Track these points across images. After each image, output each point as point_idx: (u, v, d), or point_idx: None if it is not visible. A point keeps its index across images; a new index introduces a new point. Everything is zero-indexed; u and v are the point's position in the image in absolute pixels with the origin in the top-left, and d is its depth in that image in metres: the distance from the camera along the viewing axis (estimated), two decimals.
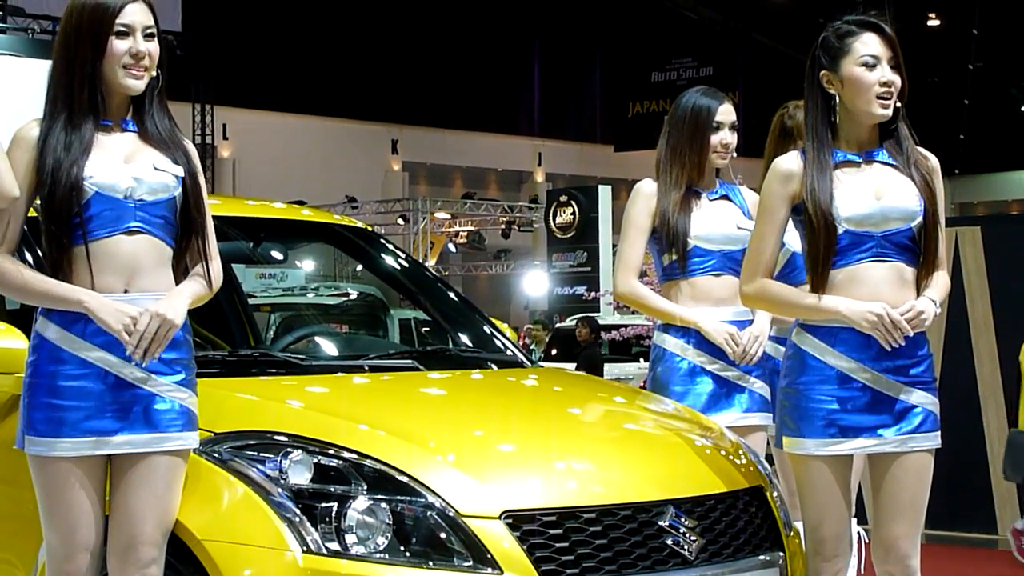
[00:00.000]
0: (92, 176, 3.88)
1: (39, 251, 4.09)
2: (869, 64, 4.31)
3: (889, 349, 4.26)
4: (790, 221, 4.43)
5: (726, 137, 5.42)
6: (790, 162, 4.40)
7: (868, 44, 4.33)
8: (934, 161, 4.45)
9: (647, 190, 5.44)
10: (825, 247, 4.29)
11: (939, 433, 4.40)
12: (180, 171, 4.00)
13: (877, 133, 4.41)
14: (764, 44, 36.11)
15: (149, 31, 3.96)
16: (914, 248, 4.36)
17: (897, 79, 4.33)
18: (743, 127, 5.58)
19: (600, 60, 40.59)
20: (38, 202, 3.93)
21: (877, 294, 4.28)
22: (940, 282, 4.40)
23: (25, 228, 3.98)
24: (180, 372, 3.96)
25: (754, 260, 4.46)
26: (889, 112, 4.34)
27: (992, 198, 45.13)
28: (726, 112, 5.43)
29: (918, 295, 4.33)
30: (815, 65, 4.40)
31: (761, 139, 5.70)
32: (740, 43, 36.48)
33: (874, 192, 4.33)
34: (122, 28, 3.92)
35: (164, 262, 3.99)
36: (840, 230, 4.29)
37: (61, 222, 3.87)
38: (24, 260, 4.01)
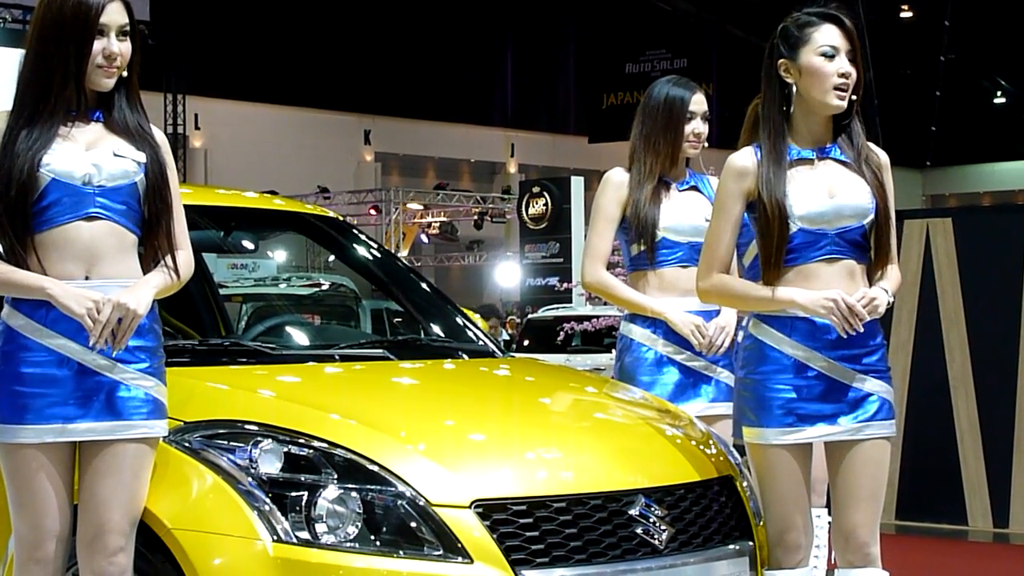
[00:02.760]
0: (49, 164, 3.88)
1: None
2: (828, 54, 4.35)
3: (845, 336, 4.30)
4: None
5: (699, 127, 5.45)
6: (744, 159, 4.43)
7: (827, 35, 4.36)
8: (884, 157, 4.50)
9: (616, 179, 5.45)
10: (778, 241, 4.33)
11: (894, 422, 4.45)
12: (142, 157, 3.99)
13: (831, 127, 4.44)
14: (738, 36, 36.14)
15: (124, 30, 3.96)
16: (865, 245, 4.41)
17: (854, 72, 4.37)
18: (717, 119, 5.60)
19: (574, 51, 40.60)
20: None
21: (828, 288, 4.32)
22: (893, 275, 4.45)
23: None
24: (145, 360, 3.95)
25: (709, 256, 4.49)
26: (844, 104, 4.37)
27: (964, 190, 45.29)
28: (699, 102, 5.46)
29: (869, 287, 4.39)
30: (774, 54, 4.43)
31: (735, 130, 5.71)
32: (714, 35, 36.52)
33: (827, 190, 4.36)
34: (99, 27, 3.92)
35: (126, 249, 3.98)
36: (794, 228, 4.33)
37: (19, 211, 3.87)
38: None
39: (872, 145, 4.48)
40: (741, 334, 4.62)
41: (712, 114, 5.60)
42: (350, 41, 37.27)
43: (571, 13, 39.59)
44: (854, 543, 4.42)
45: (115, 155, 3.97)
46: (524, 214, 26.79)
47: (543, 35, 40.55)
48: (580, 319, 15.48)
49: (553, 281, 23.89)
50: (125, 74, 3.99)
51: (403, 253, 32.87)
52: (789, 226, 4.32)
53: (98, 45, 3.92)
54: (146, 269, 4.01)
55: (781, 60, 4.40)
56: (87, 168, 3.92)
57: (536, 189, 26.88)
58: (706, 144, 5.50)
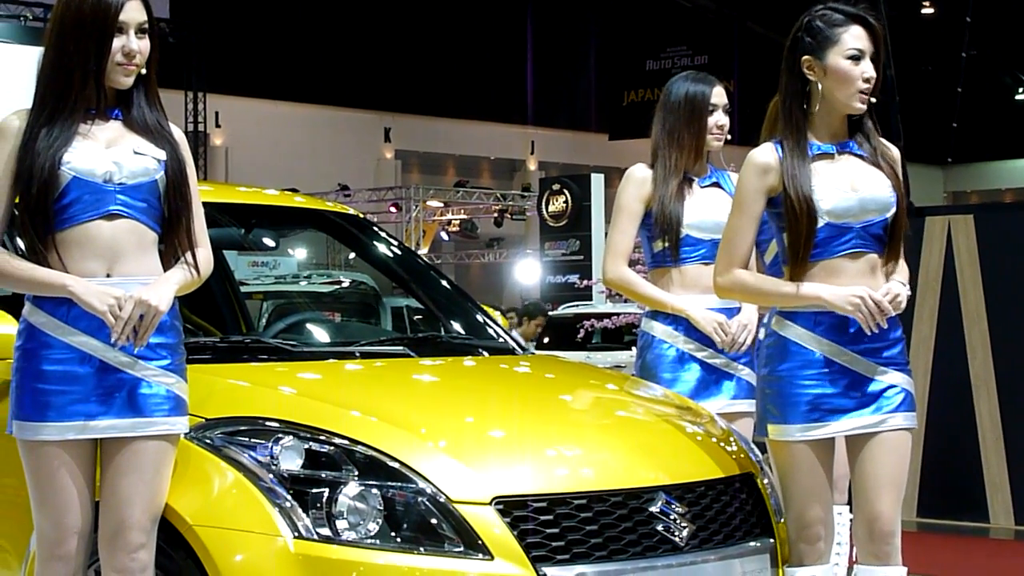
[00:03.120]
0: (70, 162, 3.89)
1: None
2: (856, 57, 4.35)
3: (869, 333, 4.31)
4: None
5: (721, 118, 5.46)
6: (766, 155, 4.43)
7: (857, 37, 4.37)
8: (896, 152, 4.53)
9: (639, 175, 5.45)
10: (806, 236, 4.34)
11: (915, 414, 4.46)
12: (162, 155, 4.00)
13: (846, 122, 4.45)
14: (758, 32, 36.07)
15: (143, 28, 3.97)
16: (885, 238, 4.43)
17: (876, 75, 4.38)
18: (739, 115, 5.60)
19: (594, 48, 40.57)
20: None
21: (853, 284, 4.33)
22: (903, 269, 4.49)
23: (16, 214, 3.98)
24: (167, 357, 3.96)
25: (728, 252, 4.49)
26: (865, 107, 4.40)
27: (986, 187, 45.16)
28: (719, 94, 5.47)
29: (886, 281, 4.41)
30: (797, 49, 4.43)
31: (756, 126, 5.71)
32: (735, 31, 36.48)
33: (850, 184, 4.38)
34: (118, 25, 3.93)
35: (147, 247, 4.00)
36: (821, 222, 4.33)
37: (40, 209, 3.88)
38: (15, 248, 4.01)
39: (884, 140, 4.50)
40: (763, 331, 4.62)
41: (733, 110, 5.60)
42: (370, 39, 37.29)
43: (591, 10, 39.57)
44: (878, 532, 4.41)
45: (135, 153, 3.98)
46: (544, 211, 26.77)
47: (563, 32, 40.53)
48: (600, 316, 15.45)
49: (573, 278, 23.82)
50: (144, 72, 4.00)
51: (423, 250, 32.87)
52: (817, 220, 4.32)
53: (117, 43, 3.93)
54: (166, 266, 4.02)
55: (805, 57, 4.39)
56: (108, 166, 3.93)
57: (556, 186, 26.85)
58: (728, 137, 5.50)
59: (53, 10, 3.98)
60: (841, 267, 4.36)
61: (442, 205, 36.46)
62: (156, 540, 3.91)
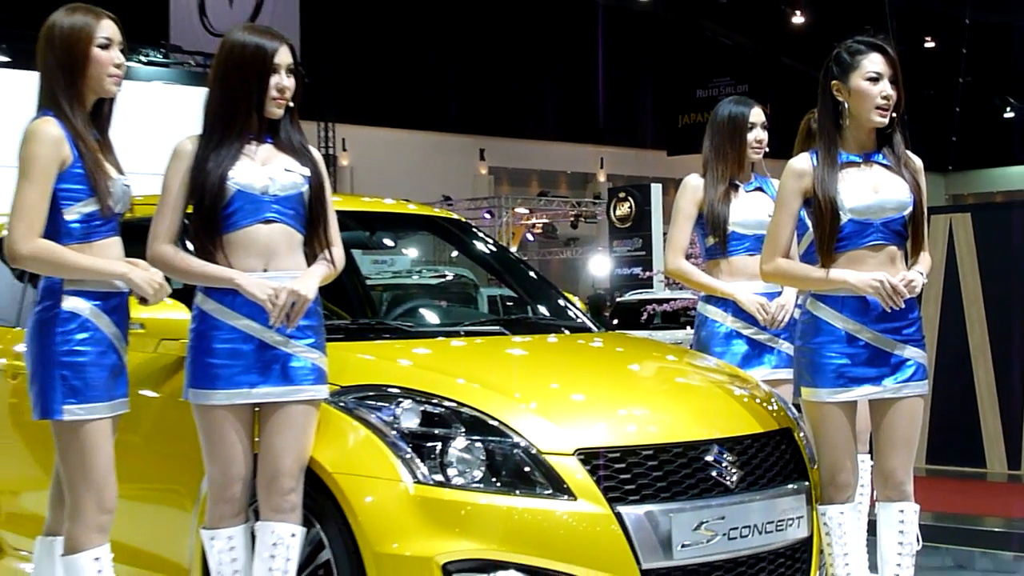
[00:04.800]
0: (234, 177, 3.92)
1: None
2: (874, 79, 4.31)
3: (889, 311, 4.28)
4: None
5: (759, 134, 5.44)
6: (802, 162, 4.41)
7: (874, 62, 4.33)
8: (919, 162, 4.46)
9: (693, 183, 5.44)
10: (830, 231, 4.31)
11: (927, 382, 4.42)
12: (306, 171, 4.04)
13: (874, 137, 4.41)
14: (788, 65, 35.76)
15: (290, 69, 4.00)
16: (904, 233, 4.37)
17: (894, 93, 4.34)
18: (773, 135, 5.57)
19: (653, 79, 40.29)
20: None
21: (875, 271, 4.30)
22: (925, 260, 4.43)
23: (186, 222, 4.03)
24: (312, 336, 4.00)
25: (772, 243, 4.47)
26: (885, 120, 4.35)
27: (980, 190, 44.54)
28: (757, 114, 5.45)
29: (907, 270, 4.36)
30: (828, 75, 4.41)
31: (787, 141, 5.68)
32: (768, 64, 36.15)
33: (872, 187, 4.34)
34: (273, 66, 3.96)
35: (296, 246, 4.03)
36: (844, 219, 4.30)
37: (210, 216, 3.91)
38: (185, 249, 4.06)
39: (910, 152, 4.45)
40: (798, 311, 4.60)
41: (769, 128, 5.57)
42: (468, 77, 37.30)
43: (651, 47, 39.37)
44: (892, 481, 4.41)
45: (286, 170, 4.01)
46: (612, 215, 26.66)
47: (628, 66, 40.29)
48: (660, 301, 15.39)
49: (637, 270, 23.75)
50: (291, 104, 4.03)
51: (513, 249, 32.83)
52: (840, 217, 4.29)
53: (273, 81, 3.97)
54: (309, 262, 4.05)
55: (834, 81, 4.37)
56: (264, 181, 3.97)
57: (622, 195, 26.73)
58: (767, 150, 5.48)
59: (217, 55, 4.01)
60: (864, 257, 4.33)
61: (527, 211, 36.38)
62: (303, 485, 3.95)
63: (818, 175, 4.34)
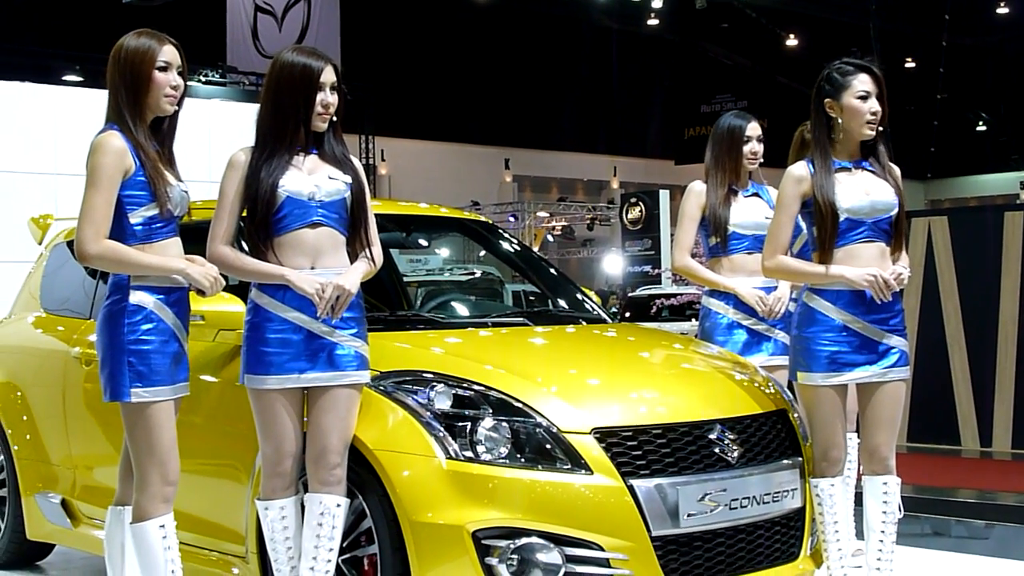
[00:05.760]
0: (284, 185, 3.92)
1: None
2: (863, 97, 4.33)
3: (879, 303, 4.28)
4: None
5: (754, 147, 5.42)
6: (800, 170, 4.43)
7: (863, 82, 4.35)
8: (898, 171, 4.48)
9: (697, 189, 5.44)
10: (831, 229, 4.32)
11: (909, 368, 4.44)
12: (348, 179, 4.03)
13: (860, 147, 4.42)
14: (784, 83, 35.66)
15: (334, 86, 3.99)
16: (890, 231, 4.39)
17: (880, 109, 4.33)
18: (770, 146, 5.56)
19: (662, 96, 40.20)
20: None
21: (868, 266, 4.32)
22: (905, 257, 4.45)
23: (241, 224, 4.03)
24: (355, 327, 4.00)
25: (773, 242, 4.47)
26: (873, 133, 4.38)
27: (956, 196, 44.40)
28: (754, 128, 5.42)
29: (893, 265, 4.38)
30: (821, 94, 4.42)
31: (782, 153, 5.67)
32: (766, 82, 36.06)
33: (864, 190, 4.36)
34: (319, 84, 3.95)
35: (340, 246, 4.03)
36: (841, 217, 4.30)
37: (263, 220, 3.91)
38: (241, 250, 4.06)
39: (890, 162, 4.48)
40: (793, 304, 4.60)
41: (765, 141, 5.55)
42: (495, 94, 37.30)
43: (660, 67, 39.32)
44: (877, 457, 4.41)
45: (330, 178, 4.01)
46: (624, 219, 26.61)
47: (639, 84, 40.22)
48: (668, 296, 15.36)
49: (647, 268, 23.68)
50: (334, 119, 4.03)
51: (535, 249, 32.77)
52: (839, 216, 4.31)
53: (319, 97, 3.96)
54: (352, 260, 4.05)
55: (827, 99, 4.39)
56: (311, 188, 3.97)
57: (633, 200, 26.68)
58: (762, 160, 5.46)
59: (268, 75, 4.00)
60: (857, 252, 4.34)
61: (548, 215, 36.38)
62: (347, 460, 3.95)
63: (816, 181, 4.37)
